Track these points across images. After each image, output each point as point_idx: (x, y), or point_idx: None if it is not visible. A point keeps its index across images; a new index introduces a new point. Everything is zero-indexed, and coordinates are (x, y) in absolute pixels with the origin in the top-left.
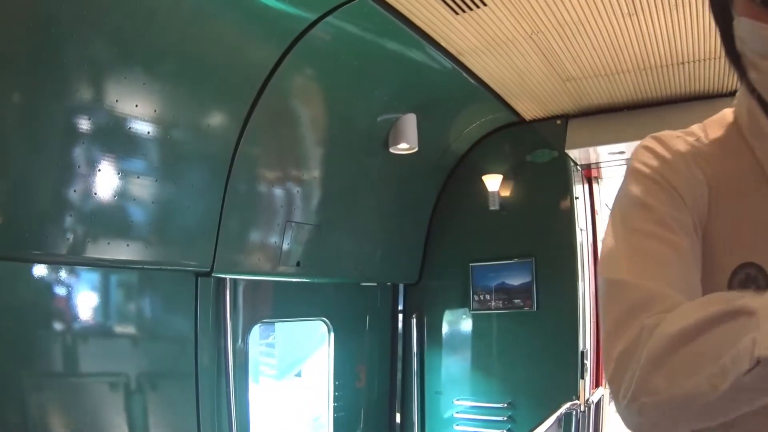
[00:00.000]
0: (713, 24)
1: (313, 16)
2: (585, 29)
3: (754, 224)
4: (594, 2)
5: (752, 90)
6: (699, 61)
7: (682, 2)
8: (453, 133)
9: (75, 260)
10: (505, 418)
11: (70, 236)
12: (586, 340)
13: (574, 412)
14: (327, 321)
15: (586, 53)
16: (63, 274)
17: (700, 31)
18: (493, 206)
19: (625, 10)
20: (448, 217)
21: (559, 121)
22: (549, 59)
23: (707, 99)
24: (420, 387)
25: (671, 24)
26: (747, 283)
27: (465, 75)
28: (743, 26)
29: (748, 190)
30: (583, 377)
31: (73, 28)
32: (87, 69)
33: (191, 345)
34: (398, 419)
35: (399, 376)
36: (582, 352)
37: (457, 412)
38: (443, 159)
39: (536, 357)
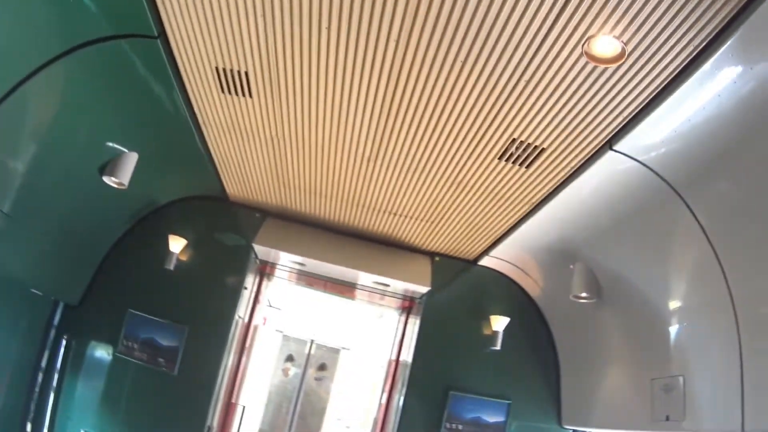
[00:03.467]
0: (430, 189)
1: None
2: (323, 152)
3: None
4: (342, 136)
5: None
6: (408, 217)
7: (413, 169)
8: (162, 185)
9: None
10: None
11: None
12: (215, 417)
13: None
14: None
15: (313, 171)
16: None
17: (419, 193)
18: (168, 265)
19: (366, 155)
20: (123, 258)
21: (258, 215)
22: (278, 163)
23: (403, 249)
24: (54, 409)
25: (398, 179)
26: None
27: (198, 141)
28: None
29: None
30: None
31: None
32: None
33: None
34: None
35: (36, 392)
36: (209, 427)
37: None
38: (140, 204)
39: (165, 420)
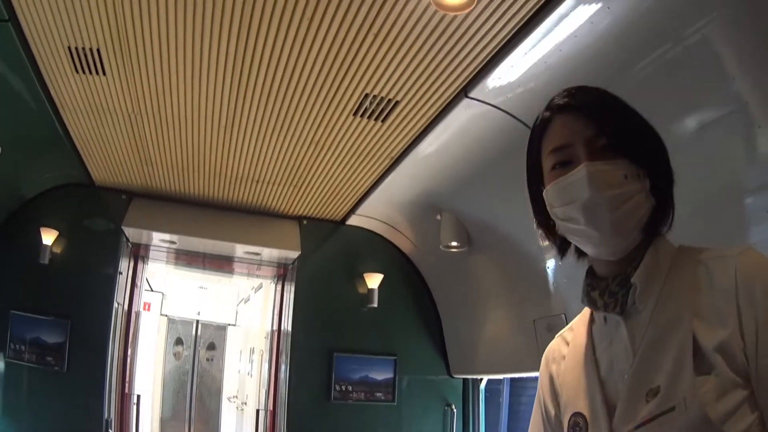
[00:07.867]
0: (290, 152)
1: None
2: (181, 125)
3: (579, 385)
4: (198, 107)
5: (579, 255)
6: (271, 183)
7: (270, 133)
8: (27, 177)
9: None
10: None
11: None
12: (111, 409)
13: None
14: None
15: (173, 146)
16: None
17: (279, 157)
18: (43, 259)
19: (223, 124)
20: None
21: (124, 196)
22: (138, 140)
23: (271, 216)
24: None
25: (257, 146)
26: (575, 427)
27: (59, 127)
28: (549, 192)
29: (579, 360)
30: None
31: None
32: None
33: None
34: None
35: None
36: (107, 421)
37: None
38: (7, 200)
39: (66, 422)
